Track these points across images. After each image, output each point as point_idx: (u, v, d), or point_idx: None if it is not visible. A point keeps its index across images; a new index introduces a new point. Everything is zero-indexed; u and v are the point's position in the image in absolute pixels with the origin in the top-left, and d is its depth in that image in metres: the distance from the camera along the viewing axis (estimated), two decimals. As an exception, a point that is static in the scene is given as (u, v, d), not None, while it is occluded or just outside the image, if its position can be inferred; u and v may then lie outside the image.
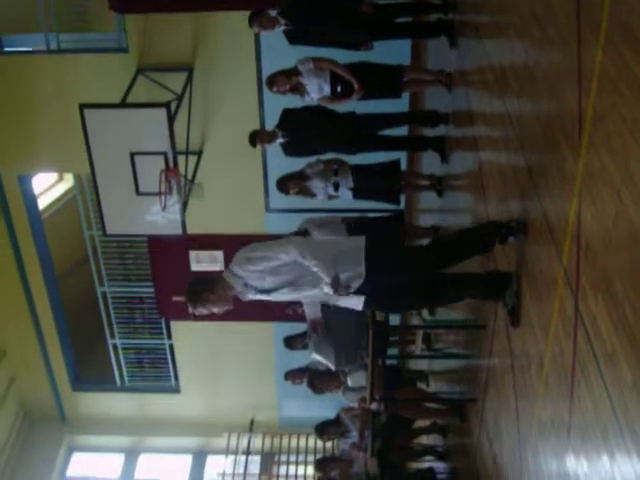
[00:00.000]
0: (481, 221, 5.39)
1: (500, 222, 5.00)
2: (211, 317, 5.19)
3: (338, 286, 4.83)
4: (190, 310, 5.11)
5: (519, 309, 4.75)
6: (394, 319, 10.05)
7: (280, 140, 8.22)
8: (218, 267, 12.60)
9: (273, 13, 7.76)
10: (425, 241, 8.89)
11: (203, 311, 5.08)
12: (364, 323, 6.92)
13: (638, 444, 2.88)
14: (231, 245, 12.37)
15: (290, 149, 8.33)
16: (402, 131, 9.40)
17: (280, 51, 8.64)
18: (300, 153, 8.43)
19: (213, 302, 5.02)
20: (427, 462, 8.81)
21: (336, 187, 8.36)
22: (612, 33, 3.16)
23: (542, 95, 4.27)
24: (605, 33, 3.23)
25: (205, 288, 5.03)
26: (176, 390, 14.77)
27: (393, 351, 10.27)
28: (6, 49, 11.38)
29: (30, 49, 11.52)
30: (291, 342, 9.22)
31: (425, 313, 8.75)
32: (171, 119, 9.53)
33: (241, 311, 13.11)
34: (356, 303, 5.08)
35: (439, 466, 8.35)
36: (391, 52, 8.50)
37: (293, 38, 7.93)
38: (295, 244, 4.90)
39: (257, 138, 8.33)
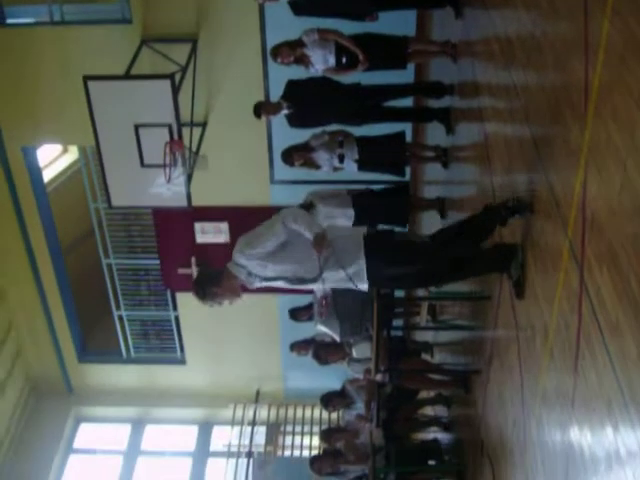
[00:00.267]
0: (477, 211, 5.36)
1: (497, 206, 4.98)
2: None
3: (320, 243, 4.87)
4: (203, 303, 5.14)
5: (524, 281, 4.76)
6: (399, 291, 10.06)
7: (285, 111, 8.20)
8: (223, 239, 12.62)
9: (277, -16, 7.72)
10: (431, 213, 8.91)
11: (215, 304, 5.14)
12: (369, 294, 6.92)
13: (642, 415, 2.90)
14: (236, 217, 12.47)
15: (295, 120, 8.31)
16: (407, 102, 9.37)
17: (285, 22, 8.60)
18: (305, 124, 8.41)
19: (222, 295, 5.06)
20: (432, 433, 8.85)
21: (341, 159, 8.34)
22: (619, 4, 3.14)
23: (548, 66, 4.25)
24: (612, 4, 3.21)
25: (211, 283, 5.07)
26: (182, 361, 14.83)
27: (398, 322, 10.30)
28: (9, 21, 11.31)
29: (33, 20, 11.46)
30: (296, 314, 9.25)
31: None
32: (175, 91, 9.50)
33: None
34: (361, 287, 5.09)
35: (444, 437, 8.39)
36: (396, 23, 8.44)
37: (298, 9, 7.89)
38: (281, 216, 4.98)
39: (262, 109, 8.31)
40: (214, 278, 5.09)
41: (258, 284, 5.14)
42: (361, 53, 7.61)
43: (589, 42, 3.50)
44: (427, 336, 9.48)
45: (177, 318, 14.29)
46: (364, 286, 5.06)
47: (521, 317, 4.87)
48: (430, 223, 9.46)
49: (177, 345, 14.78)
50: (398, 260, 5.04)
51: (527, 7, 4.79)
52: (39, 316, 14.03)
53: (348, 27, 7.87)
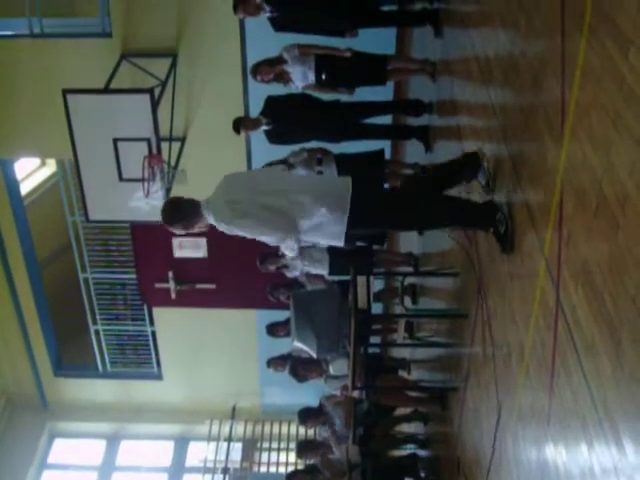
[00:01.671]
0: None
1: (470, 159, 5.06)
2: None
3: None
4: (170, 228, 5.06)
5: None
6: (377, 307, 10.07)
7: (264, 127, 8.21)
8: (201, 254, 12.60)
9: (258, 0, 7.74)
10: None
11: (178, 231, 5.06)
12: (347, 311, 6.92)
13: (616, 434, 2.91)
14: (215, 232, 12.39)
15: (274, 137, 8.32)
16: (386, 120, 9.40)
17: (265, 37, 8.61)
18: (284, 141, 8.42)
19: (190, 225, 5.01)
20: (408, 450, 8.85)
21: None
22: (596, 25, 3.17)
23: (526, 85, 4.28)
24: (589, 25, 3.24)
25: (185, 210, 4.98)
26: (158, 377, 14.77)
27: (376, 339, 10.31)
28: (-12, 33, 11.30)
29: (13, 33, 11.42)
30: (273, 329, 9.25)
31: (407, 301, 8.78)
32: (155, 105, 9.49)
33: (223, 298, 13.15)
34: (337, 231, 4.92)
35: (420, 453, 8.39)
36: (376, 40, 8.50)
37: (278, 25, 7.92)
38: (286, 244, 4.91)
39: (241, 125, 8.32)
40: (188, 206, 4.98)
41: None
42: (344, 51, 7.63)
43: (566, 62, 3.53)
44: (404, 353, 9.49)
45: (154, 333, 14.24)
46: (340, 228, 4.85)
47: (497, 335, 4.89)
48: (408, 240, 9.50)
49: (154, 360, 14.72)
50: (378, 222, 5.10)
51: (505, 27, 4.83)
52: (14, 329, 13.93)
53: (328, 43, 7.90)
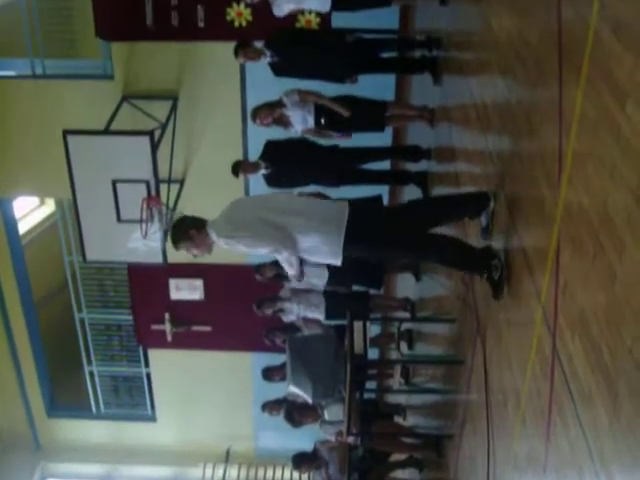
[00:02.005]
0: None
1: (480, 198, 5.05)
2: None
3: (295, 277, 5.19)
4: (173, 245, 5.26)
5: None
6: (373, 352, 10.03)
7: (263, 171, 8.24)
8: (198, 296, 12.58)
9: (259, 45, 7.81)
10: (405, 275, 8.93)
11: (183, 250, 5.19)
12: (342, 356, 6.90)
13: (613, 485, 2.89)
14: (212, 274, 12.44)
15: (273, 181, 8.35)
16: (384, 165, 9.45)
17: (265, 82, 8.68)
18: (283, 185, 8.45)
19: (195, 243, 5.11)
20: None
21: None
22: (593, 76, 3.20)
23: (523, 133, 4.31)
24: (586, 76, 3.27)
25: (192, 225, 5.11)
26: (152, 419, 14.66)
27: (371, 385, 10.25)
28: (-10, 73, 11.39)
29: (15, 73, 11.51)
30: (269, 374, 9.20)
31: (404, 347, 8.75)
32: (154, 147, 9.54)
33: (219, 340, 13.11)
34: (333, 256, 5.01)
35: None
36: (375, 86, 8.57)
37: (278, 70, 7.98)
38: (279, 255, 4.97)
39: (240, 168, 8.35)
40: (197, 223, 5.13)
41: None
42: (342, 109, 7.66)
43: (563, 112, 3.56)
44: (400, 399, 9.44)
45: (149, 375, 14.15)
46: (338, 249, 4.92)
47: (494, 382, 4.87)
48: (405, 285, 9.50)
49: (148, 402, 14.61)
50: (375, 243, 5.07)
51: (503, 75, 4.87)
52: (8, 368, 13.84)
53: (328, 89, 7.97)
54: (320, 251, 4.93)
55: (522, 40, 4.42)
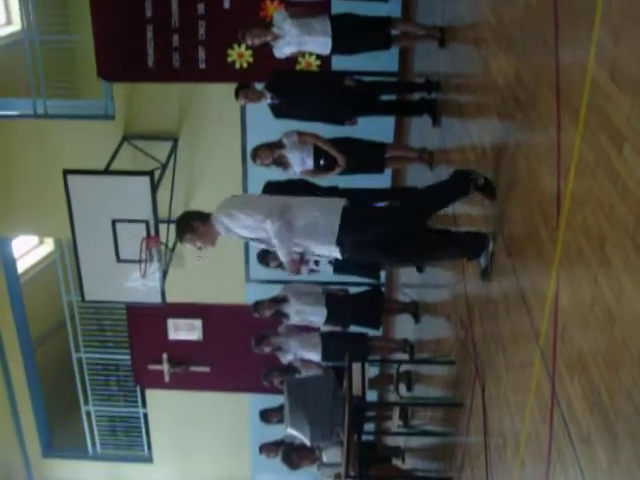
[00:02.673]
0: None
1: (466, 176, 5.16)
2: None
3: (291, 266, 5.31)
4: (179, 240, 5.40)
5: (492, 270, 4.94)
6: (371, 394, 9.98)
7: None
8: (196, 336, 12.55)
9: (259, 87, 7.87)
10: (404, 316, 8.91)
11: (188, 244, 5.31)
12: (341, 398, 6.87)
13: (613, 530, 2.87)
14: (210, 314, 12.43)
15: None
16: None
17: (265, 123, 8.72)
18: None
19: (200, 234, 5.25)
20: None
21: (317, 261, 8.39)
22: (590, 119, 3.23)
23: (522, 176, 4.33)
24: (584, 119, 3.30)
25: (196, 218, 5.27)
26: (149, 460, 14.53)
27: (370, 427, 10.19)
28: (-8, 112, 11.46)
29: (17, 113, 11.58)
30: (267, 415, 9.15)
31: (402, 389, 8.72)
32: (154, 188, 9.57)
33: (217, 381, 13.04)
34: (332, 252, 5.20)
35: None
36: (375, 128, 8.62)
37: (278, 112, 8.03)
38: (272, 226, 5.03)
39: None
40: (200, 216, 5.28)
41: (236, 239, 5.41)
42: (340, 156, 7.70)
43: (561, 155, 3.58)
44: (399, 441, 9.38)
45: (146, 415, 14.07)
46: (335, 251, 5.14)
47: (493, 425, 4.84)
48: (403, 327, 9.48)
49: (145, 442, 14.51)
50: (368, 224, 5.21)
51: (502, 117, 4.90)
52: (5, 407, 13.76)
53: (327, 130, 8.01)
54: (317, 230, 5.06)
55: (520, 83, 4.46)
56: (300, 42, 7.70)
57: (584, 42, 3.32)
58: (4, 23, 12.50)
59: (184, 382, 13.03)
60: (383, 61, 9.47)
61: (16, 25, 12.11)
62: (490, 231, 5.04)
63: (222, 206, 5.24)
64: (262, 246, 5.47)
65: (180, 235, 5.31)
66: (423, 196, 5.80)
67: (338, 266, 8.55)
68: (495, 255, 4.91)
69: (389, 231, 5.22)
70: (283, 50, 7.78)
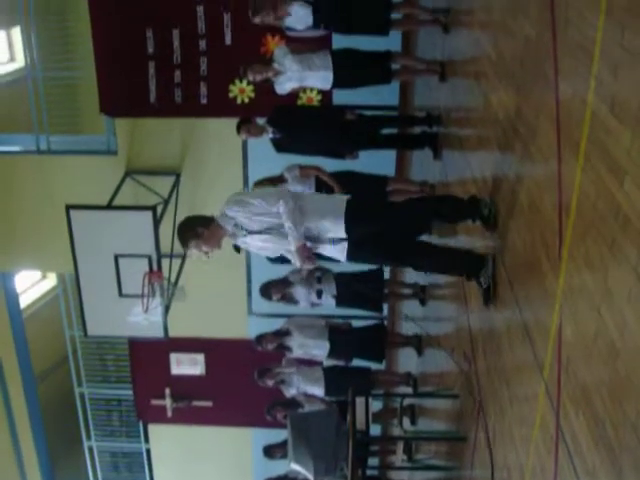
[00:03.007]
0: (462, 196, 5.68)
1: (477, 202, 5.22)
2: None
3: (301, 254, 5.15)
4: (183, 248, 5.34)
5: (494, 290, 4.94)
6: (375, 428, 9.94)
7: None
8: (199, 371, 12.52)
9: (261, 121, 7.91)
10: (408, 349, 8.90)
11: (194, 250, 5.24)
12: (344, 433, 6.83)
13: None
14: (213, 348, 12.40)
15: (276, 258, 8.36)
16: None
17: (266, 158, 8.76)
18: (285, 261, 8.47)
19: (205, 239, 5.18)
20: None
21: (319, 294, 8.40)
22: (591, 153, 3.24)
23: (523, 208, 4.34)
24: (584, 153, 3.31)
25: (199, 223, 5.21)
26: (151, 496, 14.46)
27: (374, 461, 10.13)
28: (-5, 148, 11.52)
29: (20, 149, 11.64)
30: (270, 451, 9.10)
31: (406, 422, 8.67)
32: (156, 222, 9.60)
33: (220, 416, 12.98)
34: (340, 252, 5.22)
35: None
36: (376, 162, 8.65)
37: (280, 146, 8.06)
38: (285, 206, 5.02)
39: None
40: (203, 220, 5.23)
41: (242, 238, 5.27)
42: (338, 188, 7.72)
43: (562, 188, 3.60)
44: (403, 475, 9.31)
45: (148, 450, 14.00)
46: (342, 252, 5.19)
47: (497, 459, 4.81)
48: (407, 360, 9.45)
49: (147, 478, 14.42)
50: (372, 216, 5.27)
51: (502, 150, 4.92)
52: (6, 443, 13.70)
53: (329, 164, 8.03)
54: (325, 208, 5.11)
55: (521, 116, 4.49)
56: (301, 77, 7.74)
57: (584, 76, 3.34)
58: (7, 60, 12.60)
59: (187, 417, 12.98)
60: (384, 95, 9.54)
61: (19, 62, 12.20)
62: (490, 252, 5.07)
63: (228, 200, 5.22)
64: (269, 244, 5.33)
65: (184, 242, 5.25)
66: (434, 202, 5.91)
67: (341, 299, 8.55)
68: (497, 281, 4.91)
69: (390, 223, 5.35)
70: (284, 86, 7.82)
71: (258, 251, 5.53)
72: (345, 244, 5.14)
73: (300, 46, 7.88)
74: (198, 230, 5.16)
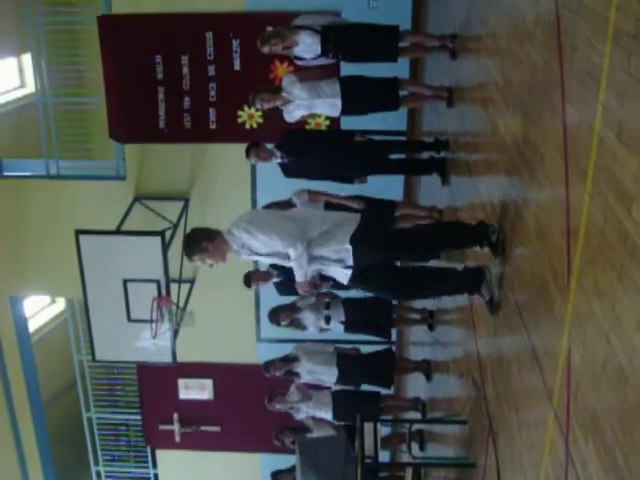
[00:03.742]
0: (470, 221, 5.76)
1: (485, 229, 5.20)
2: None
3: (302, 288, 5.29)
4: (187, 258, 5.33)
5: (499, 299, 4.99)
6: (383, 454, 9.90)
7: (274, 279, 8.31)
8: (207, 396, 12.50)
9: (270, 146, 7.94)
10: (416, 375, 8.86)
11: (198, 262, 5.25)
12: (353, 458, 6.81)
13: None
14: (221, 374, 12.39)
15: (284, 289, 8.39)
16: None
17: (275, 182, 8.79)
18: (293, 292, 8.48)
19: (210, 253, 5.18)
20: None
21: (327, 320, 8.40)
22: (598, 179, 3.25)
23: (531, 234, 4.34)
24: (592, 179, 3.32)
25: (205, 237, 5.20)
26: (160, 522, 14.39)
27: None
28: (5, 173, 11.56)
29: (30, 174, 11.69)
30: (278, 477, 9.08)
31: (415, 448, 8.63)
32: (165, 247, 9.63)
33: (228, 441, 12.94)
34: (343, 276, 5.24)
35: None
36: (384, 187, 8.67)
37: (288, 171, 8.08)
38: (294, 252, 5.03)
39: (252, 278, 8.43)
40: (209, 234, 5.22)
41: (246, 256, 5.31)
42: (354, 202, 7.72)
43: (570, 215, 3.60)
44: (412, 501, 9.26)
45: (156, 476, 13.95)
46: (346, 275, 5.21)
47: (507, 486, 4.79)
48: (415, 385, 9.43)
49: (156, 504, 14.38)
50: (380, 243, 5.28)
51: (510, 176, 4.93)
52: (14, 466, 13.66)
53: (337, 189, 8.06)
54: (336, 233, 5.10)
55: (528, 142, 4.50)
56: (310, 105, 7.76)
57: (591, 102, 3.36)
58: (18, 86, 12.69)
59: (195, 442, 12.95)
60: (392, 121, 9.58)
61: (30, 87, 12.29)
62: (484, 263, 5.13)
63: (239, 221, 5.22)
64: (274, 260, 5.36)
65: (189, 255, 5.25)
66: (442, 231, 5.91)
67: (349, 325, 8.54)
68: (504, 313, 4.91)
69: (398, 254, 5.51)
70: (293, 114, 7.84)
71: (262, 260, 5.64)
72: (349, 271, 5.18)
73: (308, 74, 7.92)
74: (203, 244, 5.17)
